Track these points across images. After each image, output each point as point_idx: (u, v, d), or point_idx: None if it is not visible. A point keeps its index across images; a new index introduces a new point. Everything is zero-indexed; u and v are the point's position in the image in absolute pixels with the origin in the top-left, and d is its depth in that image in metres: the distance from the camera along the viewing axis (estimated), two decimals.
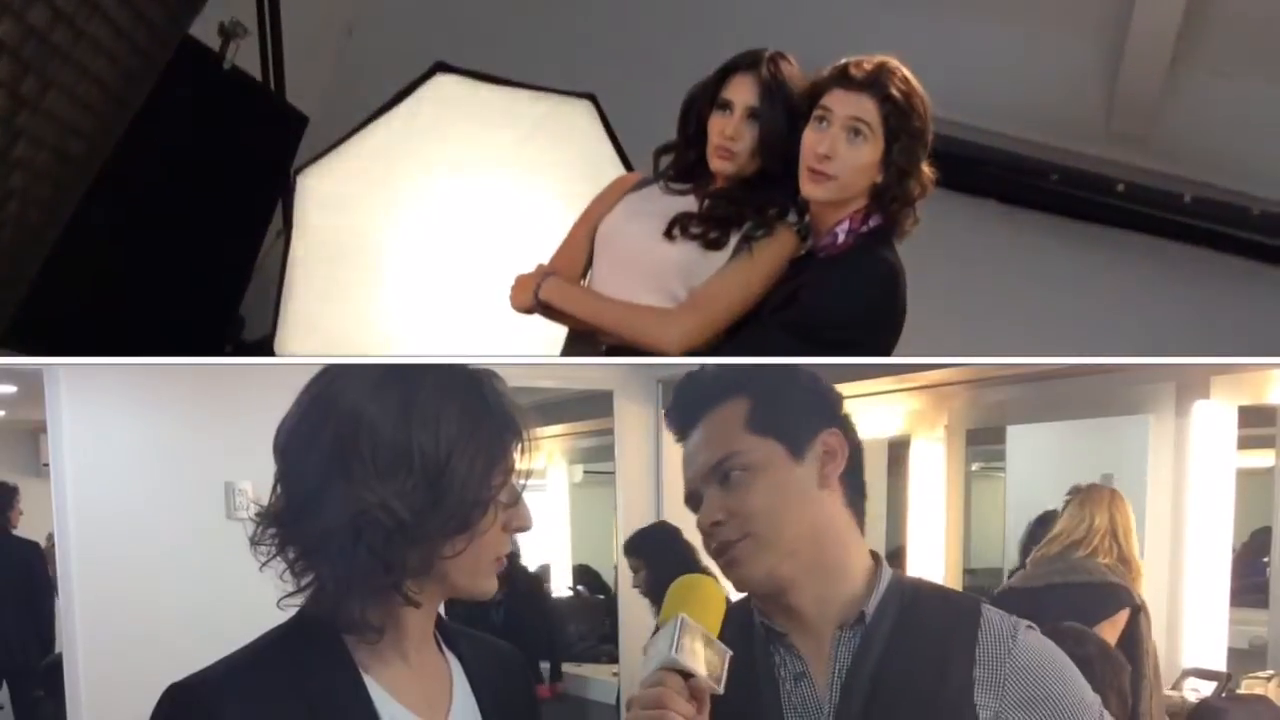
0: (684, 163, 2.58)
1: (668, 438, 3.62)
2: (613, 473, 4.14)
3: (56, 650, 3.42)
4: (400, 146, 3.69)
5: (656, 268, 2.50)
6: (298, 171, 3.71)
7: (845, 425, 1.48)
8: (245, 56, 4.07)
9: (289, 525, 1.24)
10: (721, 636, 1.35)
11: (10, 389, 3.89)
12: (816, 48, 3.31)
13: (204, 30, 3.79)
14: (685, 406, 1.49)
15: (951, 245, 4.34)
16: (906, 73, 2.41)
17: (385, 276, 3.73)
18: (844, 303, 2.37)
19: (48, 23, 2.33)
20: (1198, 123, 4.91)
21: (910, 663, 1.40)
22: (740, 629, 1.46)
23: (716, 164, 2.50)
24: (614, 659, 4.07)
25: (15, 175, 2.48)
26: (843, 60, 2.43)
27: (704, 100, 2.53)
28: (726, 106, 2.49)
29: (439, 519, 1.22)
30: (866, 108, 2.37)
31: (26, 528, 4.18)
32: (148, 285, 3.80)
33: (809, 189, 2.41)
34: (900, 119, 2.37)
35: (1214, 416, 2.96)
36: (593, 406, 4.15)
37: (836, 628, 1.43)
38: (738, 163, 2.48)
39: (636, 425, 4.05)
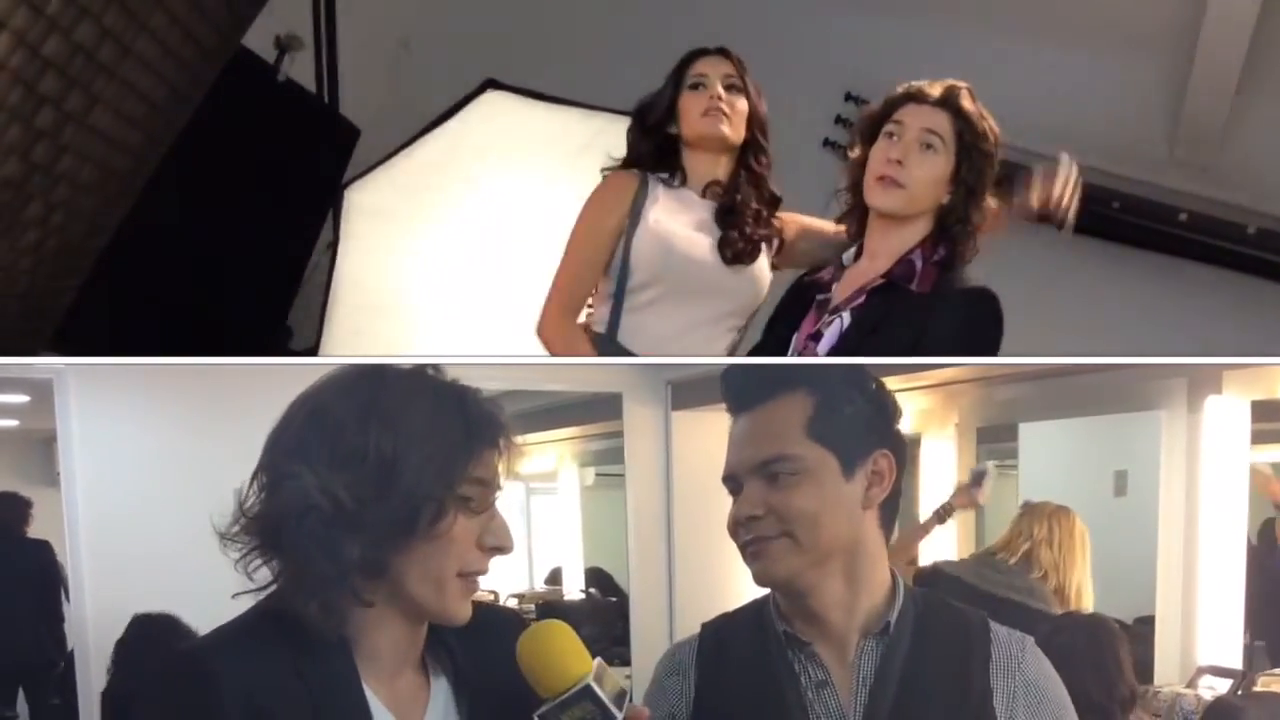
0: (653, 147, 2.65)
1: (678, 441, 3.58)
2: (624, 475, 4.14)
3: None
4: (448, 162, 3.74)
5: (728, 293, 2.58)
6: (346, 185, 3.77)
7: (897, 445, 1.47)
8: (300, 69, 4.14)
9: (255, 518, 1.25)
10: (736, 640, 1.42)
11: (23, 398, 3.89)
12: (876, 71, 3.29)
13: (260, 43, 3.86)
14: (745, 383, 1.47)
15: (1007, 270, 4.29)
16: (973, 94, 2.43)
17: (431, 290, 3.77)
18: (977, 336, 2.35)
19: (95, 40, 2.38)
20: (1263, 152, 4.87)
21: (933, 672, 1.42)
22: (756, 631, 1.46)
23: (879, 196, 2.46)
24: (626, 661, 4.07)
25: (60, 188, 2.54)
26: (914, 83, 2.44)
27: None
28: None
29: (383, 510, 1.21)
30: (940, 121, 2.38)
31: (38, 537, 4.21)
32: (197, 293, 3.88)
33: (877, 199, 2.39)
34: (973, 136, 2.38)
35: (1226, 411, 2.91)
36: (603, 409, 4.14)
37: (860, 637, 1.43)
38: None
39: (646, 427, 4.03)
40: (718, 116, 2.57)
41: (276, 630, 1.24)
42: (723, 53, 2.66)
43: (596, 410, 4.17)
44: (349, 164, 4.21)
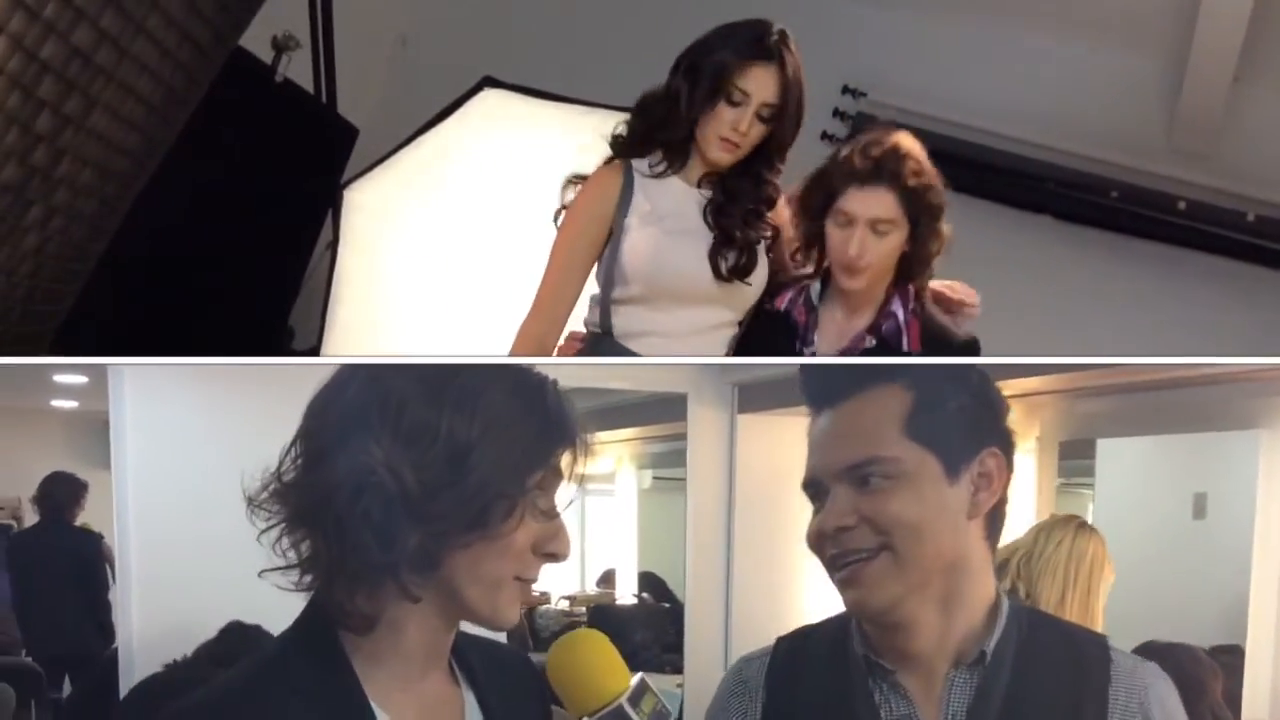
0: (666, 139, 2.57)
1: (742, 446, 3.49)
2: (683, 479, 4.00)
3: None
4: (447, 160, 3.73)
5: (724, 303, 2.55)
6: (345, 185, 3.76)
7: (1006, 443, 1.32)
8: (298, 69, 4.12)
9: (295, 486, 1.14)
10: (812, 660, 1.31)
11: (81, 379, 3.87)
12: (873, 63, 3.24)
13: (256, 43, 3.84)
14: (831, 375, 1.32)
15: (1007, 261, 4.29)
16: (912, 147, 2.39)
17: (431, 289, 3.75)
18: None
19: (92, 44, 2.36)
20: (1261, 140, 4.86)
21: (1035, 710, 1.26)
22: (834, 653, 1.32)
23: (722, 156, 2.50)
24: (678, 669, 4.00)
25: (60, 192, 2.53)
26: (845, 149, 2.42)
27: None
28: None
29: (452, 501, 1.10)
30: (886, 203, 2.36)
31: (92, 520, 4.18)
32: (199, 294, 3.87)
33: (849, 284, 2.41)
34: (919, 203, 2.37)
35: None
36: (665, 410, 4.02)
37: (951, 667, 1.28)
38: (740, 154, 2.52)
39: (710, 430, 3.89)
40: (730, 150, 2.50)
41: (274, 680, 1.15)
42: (781, 65, 2.51)
43: (657, 412, 4.08)
44: (348, 163, 4.20)
